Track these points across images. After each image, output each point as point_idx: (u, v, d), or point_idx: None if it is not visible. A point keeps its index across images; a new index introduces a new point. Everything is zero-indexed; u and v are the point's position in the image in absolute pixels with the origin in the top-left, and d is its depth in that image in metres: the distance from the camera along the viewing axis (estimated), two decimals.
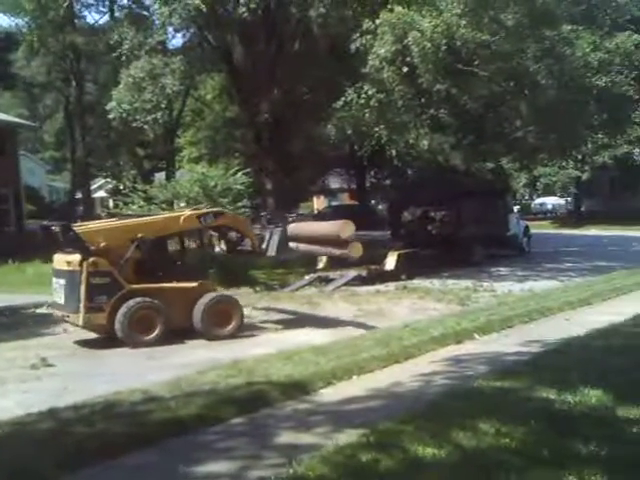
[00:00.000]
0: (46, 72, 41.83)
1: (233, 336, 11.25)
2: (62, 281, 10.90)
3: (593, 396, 6.45)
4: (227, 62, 24.82)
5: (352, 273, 18.38)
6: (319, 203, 54.25)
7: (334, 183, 46.41)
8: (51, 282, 11.42)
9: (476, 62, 19.71)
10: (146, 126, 21.56)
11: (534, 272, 20.83)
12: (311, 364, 8.32)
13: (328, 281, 18.10)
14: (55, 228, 11.47)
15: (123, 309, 10.51)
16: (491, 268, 21.75)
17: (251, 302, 15.26)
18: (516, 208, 28.62)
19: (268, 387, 7.29)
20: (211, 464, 5.30)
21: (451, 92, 20.70)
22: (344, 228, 11.70)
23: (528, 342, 9.65)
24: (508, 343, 9.75)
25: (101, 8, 35.81)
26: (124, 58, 21.06)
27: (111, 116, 20.78)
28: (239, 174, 20.01)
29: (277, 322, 12.79)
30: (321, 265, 19.57)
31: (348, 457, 5.11)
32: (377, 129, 19.91)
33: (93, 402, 6.93)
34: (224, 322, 11.37)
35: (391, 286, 17.55)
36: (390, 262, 19.32)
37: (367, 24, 18.83)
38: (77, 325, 10.88)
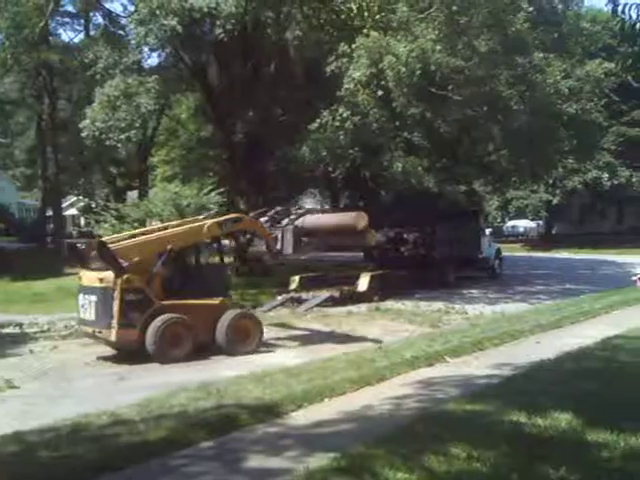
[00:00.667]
0: (19, 89, 41.44)
1: (254, 352, 11.53)
2: (93, 297, 10.91)
3: (563, 420, 6.49)
4: (202, 82, 24.84)
5: (325, 294, 18.36)
6: None
7: (308, 204, 46.51)
8: (77, 299, 11.44)
9: (450, 87, 19.94)
10: (120, 144, 21.37)
11: (505, 294, 20.99)
12: (282, 386, 8.26)
13: (301, 302, 18.03)
14: (81, 245, 11.75)
15: (154, 325, 10.65)
16: (463, 290, 21.88)
17: None
18: (488, 231, 28.82)
19: (238, 410, 7.22)
20: None
21: (425, 116, 20.90)
22: (359, 219, 12.59)
23: (499, 365, 9.69)
24: (479, 366, 9.78)
25: (76, 26, 35.77)
26: (99, 76, 20.93)
27: (84, 134, 20.60)
28: (213, 193, 19.94)
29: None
30: (294, 286, 19.51)
31: None
32: (352, 151, 20.00)
33: (59, 425, 6.80)
34: (245, 338, 11.66)
35: (363, 307, 17.57)
36: (363, 283, 19.33)
37: (343, 47, 18.98)
38: (109, 341, 10.90)
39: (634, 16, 5.75)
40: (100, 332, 10.86)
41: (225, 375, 9.29)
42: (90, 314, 11.01)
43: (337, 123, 19.35)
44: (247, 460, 5.87)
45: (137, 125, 20.50)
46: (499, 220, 65.01)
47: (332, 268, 25.82)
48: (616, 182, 46.13)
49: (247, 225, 13.37)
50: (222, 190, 20.54)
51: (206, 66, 24.43)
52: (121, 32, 25.38)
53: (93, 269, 11.24)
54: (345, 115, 19.20)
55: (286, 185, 31.41)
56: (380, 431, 6.40)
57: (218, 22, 18.88)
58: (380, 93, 18.89)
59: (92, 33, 31.59)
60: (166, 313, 10.85)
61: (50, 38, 33.60)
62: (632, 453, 5.62)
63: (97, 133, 20.13)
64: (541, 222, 57.44)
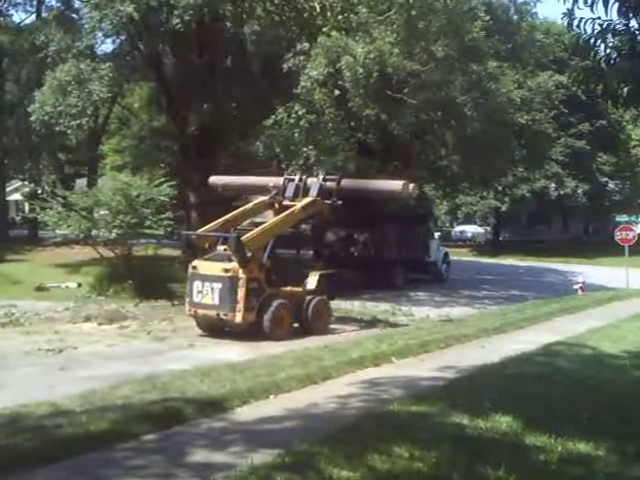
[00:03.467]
0: None
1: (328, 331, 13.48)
2: (217, 285, 12.42)
3: (504, 422, 6.61)
4: (157, 72, 24.49)
5: None
6: None
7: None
8: (192, 286, 12.80)
9: (406, 90, 20.14)
10: (69, 131, 20.94)
11: (452, 298, 21.27)
12: (228, 382, 8.21)
13: None
14: (193, 237, 13.81)
15: (269, 308, 12.46)
16: (410, 292, 22.07)
17: (168, 316, 15.02)
18: (437, 235, 29.15)
19: (183, 404, 7.15)
20: None
21: (380, 117, 21.05)
22: (406, 187, 14.93)
23: (444, 367, 9.81)
24: (424, 368, 9.89)
25: (28, 7, 34.84)
26: (50, 60, 20.47)
27: (33, 118, 20.12)
28: (163, 185, 19.69)
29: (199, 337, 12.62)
30: None
31: (262, 477, 5.06)
32: (306, 149, 20.00)
33: None
34: (322, 319, 13.67)
35: None
36: (311, 282, 19.27)
37: (301, 45, 18.97)
38: (232, 322, 12.40)
39: (589, 31, 5.88)
40: (225, 315, 12.35)
41: (170, 369, 9.19)
42: (212, 299, 12.47)
43: (292, 120, 19.32)
44: (191, 454, 5.82)
45: (88, 112, 20.11)
46: (448, 225, 65.83)
47: (281, 265, 25.74)
48: (562, 192, 47.18)
49: (320, 207, 14.62)
50: (173, 182, 20.28)
51: (162, 56, 24.10)
52: (75, 16, 24.84)
53: (208, 259, 12.99)
54: (300, 113, 19.20)
55: None
56: (325, 429, 6.41)
57: (176, 12, 18.62)
58: (336, 93, 18.94)
59: (45, 15, 30.81)
60: (273, 299, 12.64)
61: (1, 19, 32.77)
62: (569, 457, 5.75)
63: (46, 118, 19.69)
64: (489, 228, 58.34)
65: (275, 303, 12.61)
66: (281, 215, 13.90)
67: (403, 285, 23.35)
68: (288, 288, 13.26)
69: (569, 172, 47.08)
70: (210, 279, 12.55)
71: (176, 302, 17.33)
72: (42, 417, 6.58)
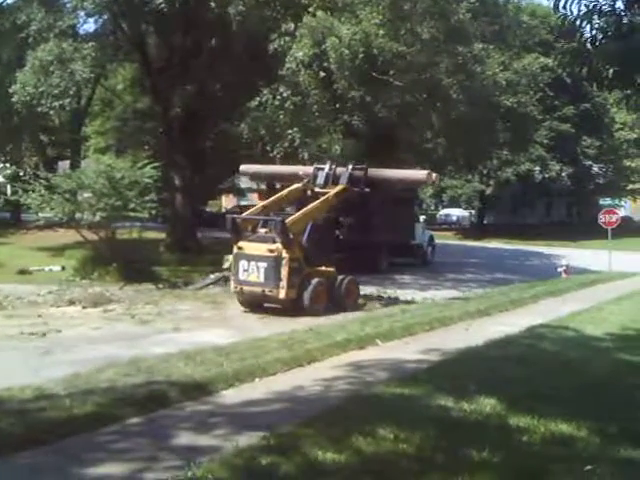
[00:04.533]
0: None
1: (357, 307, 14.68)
2: (262, 264, 13.52)
3: (488, 404, 6.65)
4: (141, 52, 24.25)
5: None
6: (227, 201, 53.80)
7: (244, 182, 46.13)
8: (237, 265, 13.93)
9: (391, 72, 20.07)
10: (52, 112, 20.73)
11: (436, 281, 21.36)
12: (213, 365, 8.19)
13: None
14: (238, 219, 14.86)
15: (310, 287, 13.73)
16: (395, 275, 22.14)
17: (153, 300, 14.98)
18: (422, 218, 29.21)
19: (168, 387, 7.12)
20: (106, 465, 5.11)
21: (365, 100, 20.97)
22: (430, 176, 16.88)
23: (428, 350, 9.84)
24: (409, 350, 9.92)
25: None
26: (31, 40, 20.18)
27: (14, 99, 19.87)
28: (147, 167, 19.54)
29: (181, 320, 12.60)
30: (227, 265, 19.34)
31: (247, 460, 5.05)
32: (291, 131, 19.91)
33: None
34: (351, 297, 14.83)
35: None
36: None
37: (286, 26, 18.83)
38: (276, 297, 13.49)
39: (575, 12, 5.86)
40: (271, 291, 13.48)
41: (155, 352, 9.17)
42: (258, 277, 13.59)
43: (277, 102, 19.25)
44: (176, 437, 5.80)
45: (71, 93, 19.93)
46: (433, 208, 65.99)
47: None
48: (547, 175, 47.39)
49: (350, 194, 15.83)
50: (157, 164, 20.14)
51: (145, 36, 23.88)
52: None
53: (252, 240, 14.13)
54: (285, 94, 19.12)
55: (222, 162, 31.12)
56: (310, 412, 6.42)
57: None
58: (322, 74, 18.86)
59: None
60: (311, 277, 13.88)
61: None
62: (551, 438, 5.79)
63: (28, 99, 19.46)
64: (474, 212, 58.55)
65: (314, 281, 13.88)
66: (317, 201, 15.07)
67: (388, 268, 23.40)
68: (323, 268, 14.45)
69: (554, 155, 47.27)
70: (256, 259, 13.66)
71: (161, 285, 17.32)
72: (26, 401, 6.53)
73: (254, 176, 19.82)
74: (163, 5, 18.81)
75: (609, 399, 7.12)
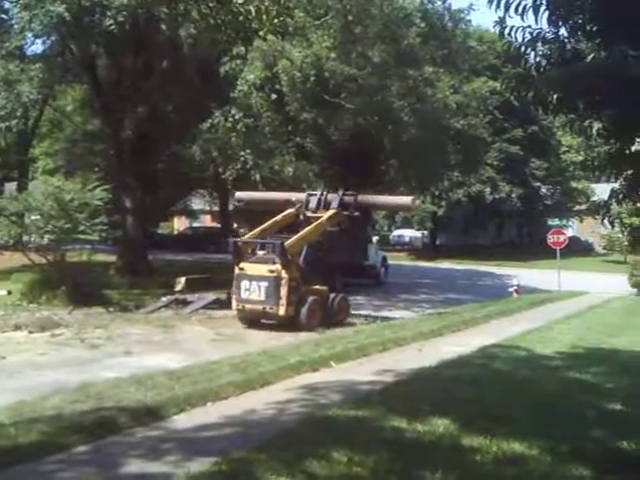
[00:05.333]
0: None
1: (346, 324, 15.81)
2: (263, 283, 14.57)
3: (441, 425, 6.67)
4: (90, 74, 23.95)
5: (211, 296, 18.12)
6: (180, 223, 53.40)
7: (196, 204, 45.86)
8: (239, 284, 14.88)
9: (343, 95, 20.24)
10: None
11: (390, 302, 21.45)
12: (165, 389, 8.05)
13: (186, 304, 17.73)
14: (239, 242, 16.02)
15: (306, 304, 14.81)
16: (348, 296, 22.07)
17: (103, 324, 14.71)
18: (375, 238, 29.37)
19: (118, 413, 6.96)
20: None
21: (318, 122, 21.10)
22: (414, 202, 19.17)
23: (382, 371, 9.85)
24: (363, 372, 9.90)
25: None
26: None
27: None
28: (98, 189, 19.25)
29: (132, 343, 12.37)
30: (179, 287, 19.16)
31: None
32: (243, 153, 19.91)
33: None
34: (343, 313, 16.19)
35: None
36: None
37: (237, 49, 18.87)
38: (276, 314, 14.54)
39: (520, 39, 5.98)
40: (271, 308, 14.52)
41: (105, 377, 8.97)
42: (259, 295, 14.61)
43: (229, 124, 19.25)
44: (125, 465, 5.66)
45: (18, 114, 19.59)
46: (386, 229, 66.43)
47: (219, 270, 25.52)
48: (497, 196, 48.15)
49: (340, 218, 17.13)
50: (108, 186, 19.86)
51: (95, 57, 23.62)
52: (4, 16, 24.12)
53: (253, 262, 15.16)
54: (237, 117, 19.13)
55: (174, 184, 30.91)
56: (263, 436, 6.35)
57: (109, 13, 18.31)
58: (274, 97, 18.94)
59: None
60: (307, 296, 14.98)
61: None
62: (503, 457, 5.84)
63: None
64: (426, 232, 59.10)
65: (310, 299, 14.99)
66: (312, 225, 16.22)
67: (341, 289, 23.36)
68: (317, 287, 15.64)
69: (503, 177, 48.10)
70: (257, 278, 14.71)
71: (111, 309, 17.01)
72: None
73: (249, 202, 20.21)
74: (113, 27, 18.66)
75: (560, 418, 7.21)
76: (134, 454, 5.92)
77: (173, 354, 11.54)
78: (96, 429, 6.44)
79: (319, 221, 16.46)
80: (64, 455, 5.86)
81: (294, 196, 17.98)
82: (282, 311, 14.52)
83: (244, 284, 14.88)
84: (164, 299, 18.17)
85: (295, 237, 15.44)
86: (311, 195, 17.74)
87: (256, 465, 5.44)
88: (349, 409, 7.39)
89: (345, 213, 17.23)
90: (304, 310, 14.81)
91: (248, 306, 14.91)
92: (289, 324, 14.54)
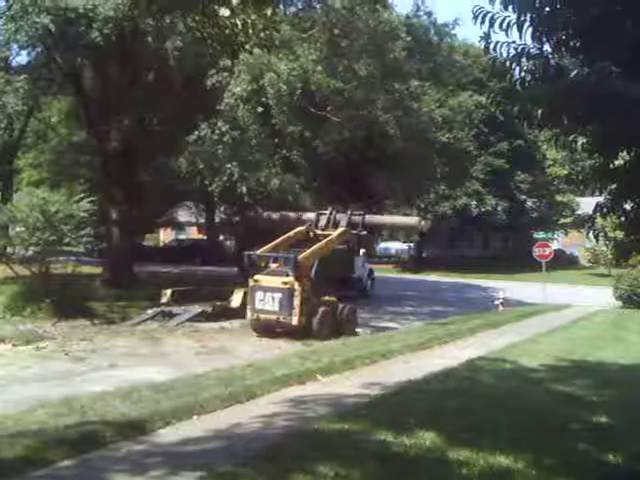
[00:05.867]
0: None
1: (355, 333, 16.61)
2: (277, 294, 15.37)
3: (427, 438, 6.67)
4: (76, 85, 23.87)
5: (197, 309, 18.05)
6: (166, 235, 53.24)
7: (183, 216, 45.73)
8: (254, 295, 15.69)
9: (329, 108, 20.30)
10: None
11: (376, 315, 21.44)
12: (150, 402, 8.00)
13: (172, 316, 17.65)
14: (253, 255, 16.66)
15: (318, 314, 15.66)
16: None
17: (88, 336, 14.61)
18: (361, 251, 29.36)
19: (103, 427, 6.91)
20: None
21: (304, 135, 21.15)
22: (420, 222, 21.46)
23: (369, 384, 9.84)
24: (350, 385, 9.90)
25: None
26: None
27: None
28: (83, 201, 19.15)
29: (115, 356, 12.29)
30: (165, 300, 19.07)
31: None
32: (229, 165, 19.89)
33: None
34: (351, 323, 16.89)
35: (236, 323, 17.39)
36: (236, 299, 19.10)
37: (224, 62, 18.91)
38: (289, 324, 15.24)
39: (505, 54, 6.03)
40: (285, 318, 15.25)
41: (90, 390, 8.90)
42: (272, 306, 15.39)
43: (216, 137, 19.24)
44: None
45: (2, 126, 19.50)
46: None
47: (205, 282, 25.46)
48: (483, 209, 48.34)
49: (349, 236, 18.41)
50: (93, 198, 19.77)
51: (80, 69, 23.54)
52: None
53: (267, 274, 16.01)
54: (224, 129, 19.13)
55: (160, 196, 30.80)
56: (249, 450, 6.33)
57: (95, 25, 18.28)
58: (260, 109, 18.97)
59: None
60: (318, 306, 15.80)
61: None
62: (490, 470, 5.84)
63: None
64: (412, 245, 59.21)
65: (321, 309, 15.83)
66: (323, 241, 17.22)
67: None
68: (326, 298, 16.47)
69: (489, 190, 48.31)
70: (271, 290, 15.52)
71: (96, 321, 16.91)
72: None
73: (265, 221, 21.61)
74: (99, 39, 18.64)
75: (546, 430, 7.23)
76: (119, 469, 5.88)
77: (159, 367, 11.47)
78: (81, 443, 6.39)
79: (330, 238, 17.47)
80: (48, 470, 5.81)
81: (306, 215, 19.55)
82: (295, 321, 15.24)
83: (258, 295, 15.69)
84: (150, 311, 18.08)
85: (308, 251, 16.30)
86: (321, 214, 18.92)
87: (242, 479, 5.41)
88: (335, 422, 7.37)
89: (353, 232, 18.42)
90: (315, 320, 15.60)
91: (262, 316, 15.63)
92: (301, 333, 15.20)
